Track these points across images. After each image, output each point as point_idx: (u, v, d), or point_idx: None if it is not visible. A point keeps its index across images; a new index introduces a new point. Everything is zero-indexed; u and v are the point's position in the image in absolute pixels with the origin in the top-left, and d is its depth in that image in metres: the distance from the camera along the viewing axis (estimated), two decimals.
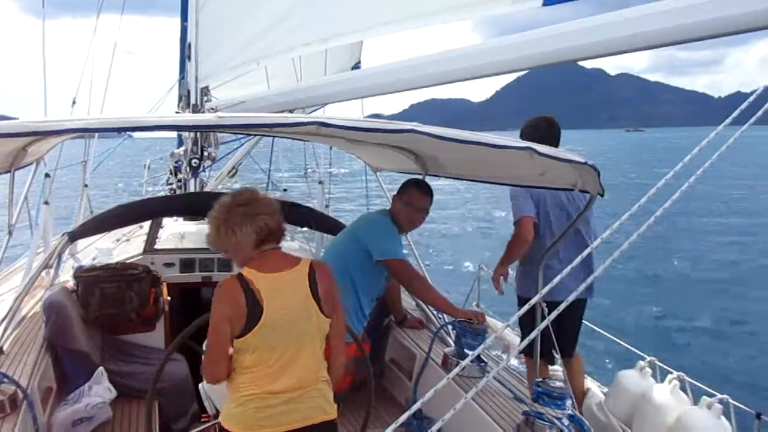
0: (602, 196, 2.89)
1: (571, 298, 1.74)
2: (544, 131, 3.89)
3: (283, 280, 2.17)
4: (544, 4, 2.90)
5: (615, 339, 4.70)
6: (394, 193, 3.59)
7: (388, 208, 3.65)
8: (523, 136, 3.90)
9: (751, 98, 1.72)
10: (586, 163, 2.47)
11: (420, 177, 3.78)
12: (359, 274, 3.39)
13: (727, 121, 1.76)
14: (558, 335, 3.96)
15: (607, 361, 7.91)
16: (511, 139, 2.21)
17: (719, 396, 2.85)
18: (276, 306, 2.09)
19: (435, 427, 1.59)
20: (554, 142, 3.88)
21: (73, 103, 6.80)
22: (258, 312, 2.06)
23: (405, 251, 3.54)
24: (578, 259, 1.79)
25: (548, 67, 2.50)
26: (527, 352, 3.73)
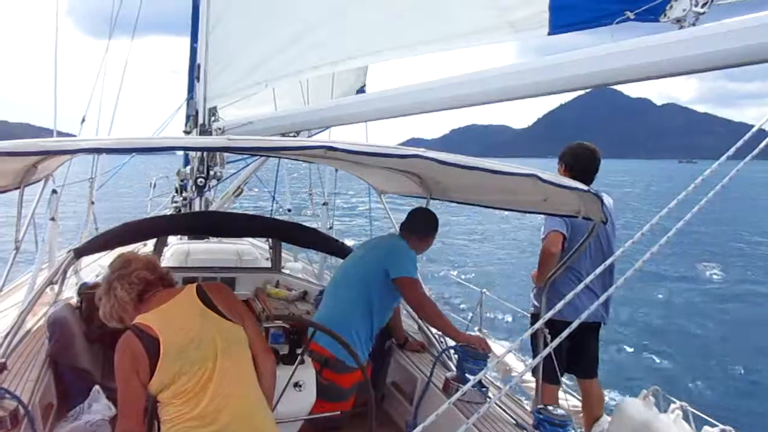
0: (605, 223, 2.91)
1: (583, 316, 1.74)
2: (585, 162, 3.98)
3: (172, 308, 2.15)
4: (550, 33, 2.95)
5: (611, 362, 4.69)
6: (404, 222, 3.70)
7: (396, 233, 3.73)
8: (565, 163, 3.97)
9: (754, 129, 1.74)
10: (589, 191, 2.49)
11: (425, 206, 3.86)
12: (378, 299, 3.45)
13: (730, 151, 1.78)
14: (576, 355, 3.98)
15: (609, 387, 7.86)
16: (515, 165, 2.23)
17: (722, 426, 2.83)
18: (171, 332, 2.06)
19: None
20: (594, 171, 3.97)
21: (83, 120, 6.87)
22: (155, 345, 2.02)
23: None
24: (582, 284, 1.80)
25: (551, 94, 2.54)
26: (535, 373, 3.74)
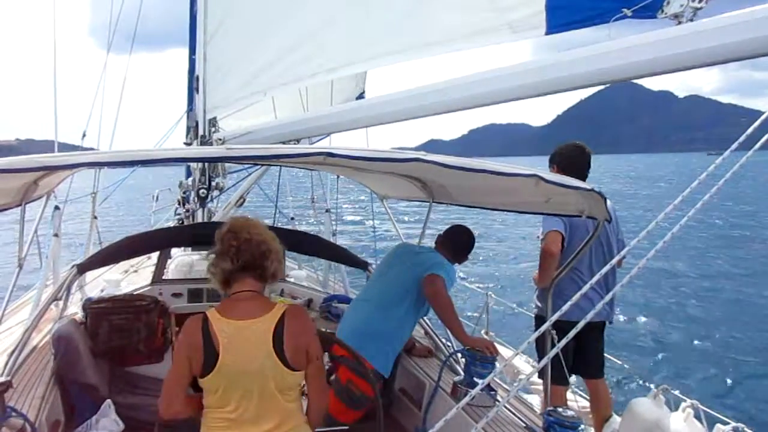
0: (609, 222, 2.90)
1: (589, 317, 1.73)
2: (577, 161, 3.98)
3: (244, 331, 2.06)
4: (547, 33, 2.95)
5: (620, 362, 4.67)
6: (443, 237, 3.81)
7: (433, 248, 3.81)
8: (556, 164, 3.99)
9: (757, 123, 1.72)
10: (592, 190, 2.48)
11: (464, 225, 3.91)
12: (424, 312, 3.66)
13: (734, 146, 1.76)
14: (582, 356, 3.96)
15: (617, 387, 7.83)
16: (516, 166, 2.22)
17: (733, 424, 2.80)
18: (232, 356, 2.02)
19: None
20: (586, 169, 3.98)
21: (83, 136, 6.89)
22: (213, 358, 2.02)
23: None
24: (588, 284, 1.79)
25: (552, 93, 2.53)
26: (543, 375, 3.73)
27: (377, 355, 3.38)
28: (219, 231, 2.18)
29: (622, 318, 11.70)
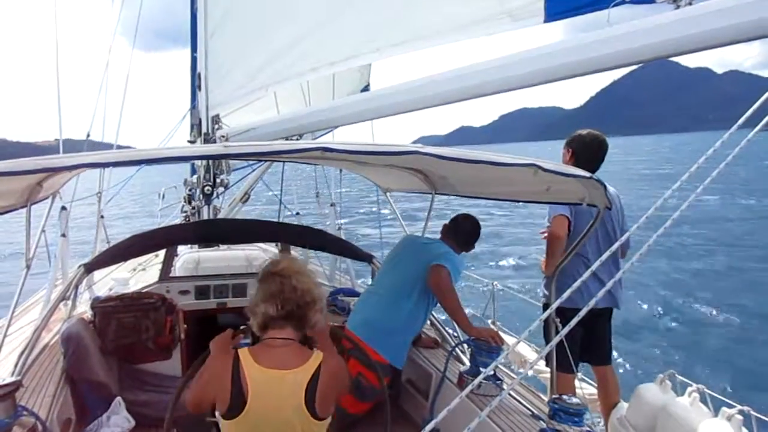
0: (609, 209, 2.90)
1: (591, 303, 1.73)
2: (593, 151, 3.95)
3: (278, 381, 1.99)
4: (546, 21, 2.94)
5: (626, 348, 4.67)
6: (450, 227, 3.87)
7: (440, 239, 3.84)
8: (572, 149, 3.98)
9: (761, 101, 1.71)
10: (591, 178, 2.48)
11: (469, 216, 3.92)
12: (433, 304, 3.69)
13: (740, 121, 1.75)
14: (589, 343, 3.97)
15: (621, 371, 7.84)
16: (515, 156, 2.22)
17: (739, 407, 2.80)
18: (260, 404, 1.96)
19: None
20: (599, 161, 3.95)
21: (87, 136, 6.93)
22: (241, 403, 1.95)
23: None
24: (589, 270, 1.79)
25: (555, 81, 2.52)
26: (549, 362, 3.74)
27: (390, 348, 3.41)
28: (265, 270, 2.13)
29: (629, 304, 11.66)
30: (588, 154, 3.91)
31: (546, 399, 3.46)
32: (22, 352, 3.15)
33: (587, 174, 2.45)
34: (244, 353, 2.02)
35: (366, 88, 7.25)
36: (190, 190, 7.28)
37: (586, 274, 1.78)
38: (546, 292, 4.03)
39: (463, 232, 3.81)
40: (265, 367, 1.99)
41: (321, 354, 2.09)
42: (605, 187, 2.59)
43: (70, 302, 4.14)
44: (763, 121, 1.70)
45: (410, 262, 3.71)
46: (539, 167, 2.16)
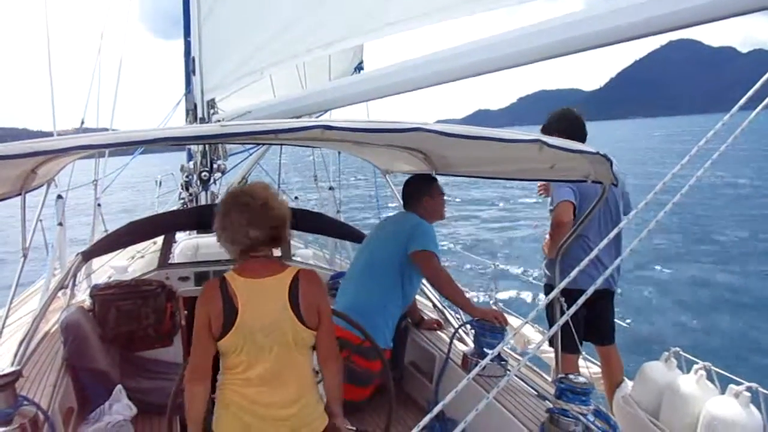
0: (616, 186, 2.85)
1: (598, 282, 1.71)
2: (574, 127, 3.90)
3: (261, 286, 2.16)
4: None
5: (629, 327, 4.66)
6: (403, 197, 3.80)
7: (405, 211, 3.76)
8: (548, 131, 3.90)
9: (760, 83, 1.67)
10: (597, 153, 2.43)
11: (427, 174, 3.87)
12: (408, 280, 3.55)
13: (741, 101, 1.71)
14: (593, 323, 3.96)
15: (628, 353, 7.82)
16: (519, 132, 2.16)
17: (747, 384, 2.78)
18: (250, 311, 2.10)
19: (458, 429, 1.56)
20: (584, 137, 3.90)
21: (81, 123, 6.85)
22: (233, 315, 2.09)
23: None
24: (594, 252, 1.75)
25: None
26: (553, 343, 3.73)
27: (371, 330, 3.36)
28: (251, 199, 2.21)
29: (632, 282, 11.67)
30: (570, 130, 3.82)
31: (550, 379, 3.44)
32: (22, 342, 3.12)
33: (593, 149, 2.40)
34: (229, 273, 2.18)
35: (359, 67, 7.18)
36: (187, 176, 7.22)
37: (593, 254, 1.75)
38: (549, 273, 4.00)
39: (418, 192, 3.74)
40: (250, 277, 2.16)
41: (297, 267, 2.26)
42: (611, 162, 2.54)
43: (68, 291, 4.10)
44: (765, 102, 1.66)
45: (380, 241, 3.69)
46: (545, 143, 2.11)
